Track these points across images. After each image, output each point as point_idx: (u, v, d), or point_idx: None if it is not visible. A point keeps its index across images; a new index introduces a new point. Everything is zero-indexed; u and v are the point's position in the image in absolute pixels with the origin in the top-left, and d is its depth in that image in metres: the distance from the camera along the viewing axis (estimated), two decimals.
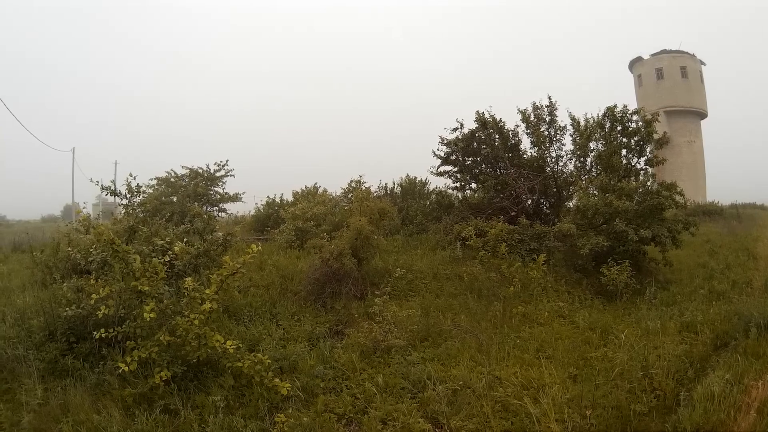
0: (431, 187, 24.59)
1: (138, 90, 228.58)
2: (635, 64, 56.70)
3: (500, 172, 19.22)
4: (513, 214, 17.66)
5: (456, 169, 19.92)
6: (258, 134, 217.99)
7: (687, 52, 54.70)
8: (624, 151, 17.18)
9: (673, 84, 53.11)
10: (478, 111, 19.16)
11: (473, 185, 20.08)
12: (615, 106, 17.36)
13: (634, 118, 17.21)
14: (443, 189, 21.28)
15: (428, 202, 22.99)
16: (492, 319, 11.39)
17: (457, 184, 20.34)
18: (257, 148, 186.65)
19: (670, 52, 54.42)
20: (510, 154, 19.12)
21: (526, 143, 19.43)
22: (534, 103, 18.93)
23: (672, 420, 6.69)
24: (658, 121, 17.66)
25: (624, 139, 17.19)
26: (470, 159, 19.65)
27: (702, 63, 55.95)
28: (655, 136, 17.30)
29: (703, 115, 55.48)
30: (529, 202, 18.63)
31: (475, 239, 14.50)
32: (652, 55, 55.26)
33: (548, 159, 18.76)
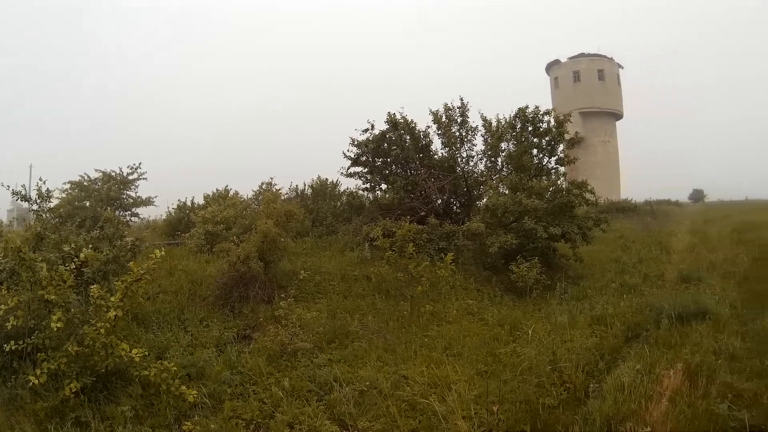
0: (343, 188, 24.33)
1: (138, 91, 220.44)
2: (552, 66, 58.42)
3: (410, 172, 19.29)
4: (423, 214, 17.65)
5: (366, 170, 19.78)
6: (258, 134, 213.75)
7: (605, 56, 56.86)
8: (535, 151, 17.47)
9: (589, 86, 55.19)
10: (389, 112, 19.10)
11: (383, 186, 20.02)
12: (527, 106, 17.63)
13: (546, 118, 17.49)
14: (354, 190, 21.34)
15: (339, 204, 22.76)
16: (399, 319, 11.44)
17: (368, 185, 20.25)
18: (258, 149, 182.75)
19: (589, 55, 56.44)
20: (421, 155, 19.20)
21: (438, 144, 19.57)
22: (446, 104, 19.11)
23: (582, 411, 6.75)
24: (570, 122, 17.77)
25: (535, 140, 17.47)
26: (380, 160, 19.59)
27: (620, 66, 58.48)
28: (567, 136, 17.60)
29: (618, 116, 57.93)
30: (439, 202, 18.83)
31: (383, 239, 14.54)
32: (570, 58, 57.21)
33: (459, 159, 18.96)
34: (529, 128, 17.52)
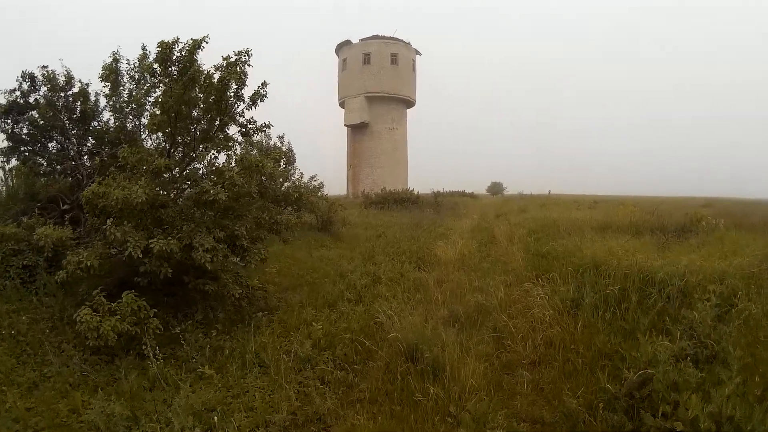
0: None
1: None
2: (342, 47, 53.60)
3: (61, 146, 12.86)
4: (66, 207, 11.39)
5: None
6: None
7: (401, 40, 52.52)
8: (197, 110, 10.12)
9: (379, 69, 50.62)
10: (43, 66, 12.46)
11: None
12: (176, 39, 9.73)
13: (199, 58, 9.99)
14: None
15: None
16: None
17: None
18: None
19: (382, 38, 51.88)
20: (75, 124, 12.81)
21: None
22: (114, 53, 11.99)
23: None
24: (249, 65, 9.96)
25: (199, 93, 9.92)
26: (27, 128, 12.56)
27: (418, 53, 54.67)
28: (250, 91, 10.32)
29: (410, 104, 54.10)
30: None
31: None
32: (362, 39, 52.30)
33: (132, 129, 12.19)
34: (175, 74, 9.89)
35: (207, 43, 9.74)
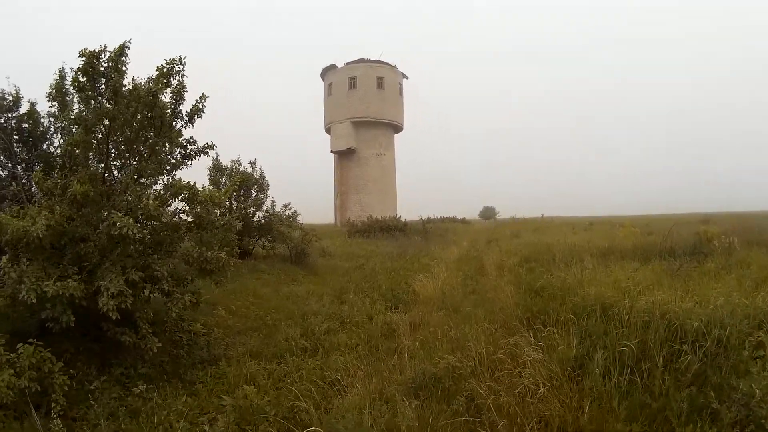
0: None
1: None
2: (328, 72, 53.04)
3: (9, 172, 11.84)
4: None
5: None
6: None
7: (387, 63, 52.01)
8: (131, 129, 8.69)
9: (365, 94, 49.93)
10: None
11: None
12: (104, 48, 8.23)
13: (127, 66, 8.54)
14: None
15: None
16: None
17: None
18: None
19: (368, 61, 51.32)
20: (29, 149, 12.03)
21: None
22: (60, 71, 10.11)
23: None
24: (185, 74, 8.79)
25: (146, 113, 8.67)
26: None
27: (405, 76, 54.16)
28: (189, 108, 9.14)
29: (398, 128, 53.42)
30: None
31: None
32: (347, 63, 51.76)
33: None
34: (103, 87, 8.56)
35: (129, 48, 8.34)
